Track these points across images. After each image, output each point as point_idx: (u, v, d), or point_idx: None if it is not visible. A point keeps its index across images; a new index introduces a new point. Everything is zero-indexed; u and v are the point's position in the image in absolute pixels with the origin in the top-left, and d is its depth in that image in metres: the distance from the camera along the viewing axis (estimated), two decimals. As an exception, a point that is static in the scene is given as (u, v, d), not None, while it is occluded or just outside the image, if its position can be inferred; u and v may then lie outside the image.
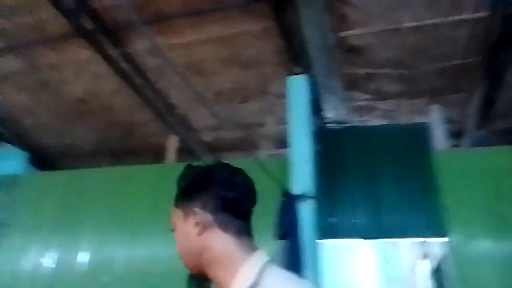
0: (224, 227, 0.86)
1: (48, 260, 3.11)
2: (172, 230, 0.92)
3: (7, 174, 3.63)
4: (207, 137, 3.89)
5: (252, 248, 0.85)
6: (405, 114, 3.31)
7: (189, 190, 0.91)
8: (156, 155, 3.69)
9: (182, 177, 0.92)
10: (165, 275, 2.82)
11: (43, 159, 4.02)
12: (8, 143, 3.87)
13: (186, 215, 0.88)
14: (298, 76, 2.86)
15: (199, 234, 0.86)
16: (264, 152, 3.87)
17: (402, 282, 4.86)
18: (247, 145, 3.94)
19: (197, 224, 0.86)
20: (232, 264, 0.83)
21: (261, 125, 3.69)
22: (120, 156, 3.82)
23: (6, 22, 2.65)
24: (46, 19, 2.62)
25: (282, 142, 3.68)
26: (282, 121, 3.44)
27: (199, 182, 0.91)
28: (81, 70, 3.05)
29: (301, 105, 2.82)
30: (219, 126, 3.75)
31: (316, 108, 3.12)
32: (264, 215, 2.61)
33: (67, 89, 3.26)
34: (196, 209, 0.87)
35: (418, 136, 2.98)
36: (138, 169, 3.31)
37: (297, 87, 2.85)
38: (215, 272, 0.85)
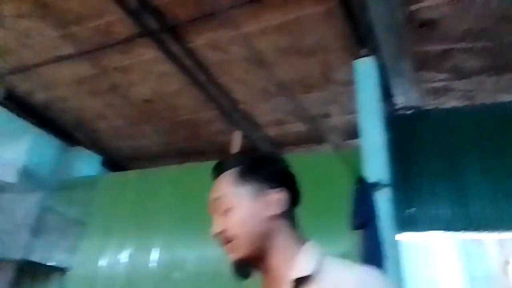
0: (288, 215, 0.86)
1: (124, 258, 3.21)
2: (226, 210, 0.87)
3: (83, 176, 3.83)
4: (272, 132, 3.82)
5: (304, 239, 0.86)
6: (488, 93, 2.98)
7: (265, 172, 0.88)
8: (222, 153, 3.69)
9: (254, 158, 0.92)
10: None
11: (115, 161, 4.19)
12: (84, 147, 4.09)
13: (257, 195, 0.86)
14: (365, 59, 2.69)
15: (271, 217, 0.84)
16: (331, 144, 3.71)
17: (490, 282, 4.42)
18: (312, 138, 3.82)
19: (270, 206, 0.84)
20: (290, 252, 0.83)
21: (327, 116, 3.54)
22: (187, 156, 3.86)
23: (76, 27, 2.77)
24: (113, 22, 2.70)
25: (349, 133, 3.50)
26: (349, 110, 3.27)
27: (274, 168, 0.90)
28: (147, 71, 3.11)
29: (370, 90, 2.64)
30: (283, 120, 3.66)
31: (386, 93, 2.92)
32: (336, 208, 2.50)
33: (135, 91, 3.36)
34: (270, 191, 0.85)
35: (508, 116, 2.67)
36: (206, 166, 3.30)
37: (365, 71, 2.68)
38: (272, 258, 0.83)
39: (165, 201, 3.31)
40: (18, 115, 3.59)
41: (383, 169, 2.34)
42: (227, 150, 3.50)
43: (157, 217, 3.30)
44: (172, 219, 3.24)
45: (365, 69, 2.67)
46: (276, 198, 0.85)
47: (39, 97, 3.62)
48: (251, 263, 0.85)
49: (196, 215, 3.13)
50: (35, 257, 3.08)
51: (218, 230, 0.87)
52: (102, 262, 3.27)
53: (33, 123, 3.69)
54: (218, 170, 0.94)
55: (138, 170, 3.62)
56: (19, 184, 3.03)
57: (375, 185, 2.17)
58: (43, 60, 3.16)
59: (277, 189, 0.86)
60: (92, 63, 3.10)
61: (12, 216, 3.01)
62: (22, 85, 3.50)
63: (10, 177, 3.02)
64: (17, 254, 2.96)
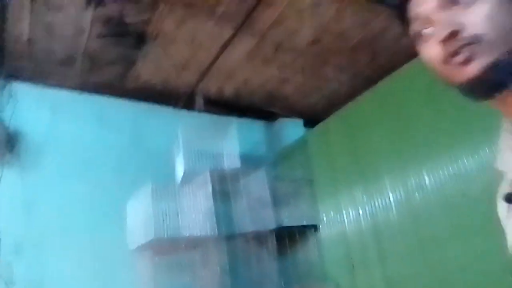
0: None
1: (359, 201, 3.11)
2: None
3: (293, 141, 3.96)
4: None
5: None
6: None
7: None
8: (414, 54, 3.18)
9: None
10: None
11: (316, 117, 4.17)
12: (283, 116, 4.25)
13: None
14: None
15: None
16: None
17: None
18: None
19: None
20: None
21: None
22: (379, 78, 3.50)
23: (220, 8, 2.84)
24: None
25: None
26: None
27: None
28: (299, 10, 2.95)
29: None
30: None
31: None
32: None
33: (298, 38, 3.24)
34: None
35: None
36: (406, 72, 2.86)
37: None
38: None
39: (378, 129, 3.05)
40: (219, 113, 4.00)
41: None
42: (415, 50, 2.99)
43: (376, 149, 3.07)
44: (393, 146, 2.95)
45: None
46: None
47: (228, 89, 3.94)
48: (498, 75, 0.60)
49: (417, 132, 2.77)
50: (286, 222, 3.34)
51: (452, 29, 0.62)
52: (342, 211, 3.27)
53: (233, 115, 4.05)
54: None
55: (337, 113, 3.49)
56: (243, 168, 3.33)
57: None
58: (215, 54, 3.40)
59: None
60: (250, 33, 3.14)
61: (251, 195, 3.34)
62: (211, 86, 3.87)
63: (236, 165, 3.34)
64: (270, 224, 3.26)
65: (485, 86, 0.61)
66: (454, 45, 0.61)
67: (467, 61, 0.61)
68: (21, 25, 2.85)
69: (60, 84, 3.45)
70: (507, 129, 0.68)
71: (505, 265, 1.26)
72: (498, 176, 0.73)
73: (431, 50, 0.66)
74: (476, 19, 0.60)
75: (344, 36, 3.23)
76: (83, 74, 3.46)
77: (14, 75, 3.27)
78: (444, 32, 0.62)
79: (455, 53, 0.62)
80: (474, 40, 0.60)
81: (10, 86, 3.27)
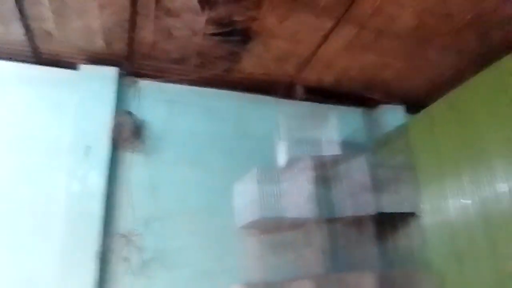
0: None
1: (466, 188, 2.98)
2: None
3: (394, 128, 3.90)
4: None
5: None
6: None
7: None
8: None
9: None
10: None
11: (419, 104, 4.05)
12: (383, 103, 4.20)
13: None
14: None
15: None
16: None
17: None
18: None
19: None
20: None
21: None
22: (491, 59, 3.28)
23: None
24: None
25: None
26: None
27: None
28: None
29: None
30: None
31: None
32: None
33: (399, 24, 3.19)
34: None
35: None
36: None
37: None
38: None
39: (490, 115, 2.86)
40: (318, 101, 4.11)
41: None
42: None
43: (487, 136, 2.89)
44: (506, 133, 2.75)
45: None
46: None
47: (327, 78, 4.02)
48: None
49: None
50: (386, 208, 3.35)
51: None
52: (447, 199, 3.16)
53: (332, 103, 4.13)
54: None
55: (443, 98, 3.33)
56: (343, 154, 3.41)
57: None
58: (315, 46, 3.51)
59: None
60: (350, 22, 3.18)
61: (352, 181, 3.42)
62: (311, 76, 3.99)
63: (335, 151, 3.44)
64: (369, 209, 3.30)
65: None
66: None
67: None
68: (147, 31, 3.28)
69: (175, 80, 3.86)
70: None
71: None
72: None
73: None
74: None
75: (450, 17, 3.09)
76: (195, 70, 3.83)
77: (139, 73, 3.77)
78: None
79: None
80: None
81: (137, 83, 3.78)
